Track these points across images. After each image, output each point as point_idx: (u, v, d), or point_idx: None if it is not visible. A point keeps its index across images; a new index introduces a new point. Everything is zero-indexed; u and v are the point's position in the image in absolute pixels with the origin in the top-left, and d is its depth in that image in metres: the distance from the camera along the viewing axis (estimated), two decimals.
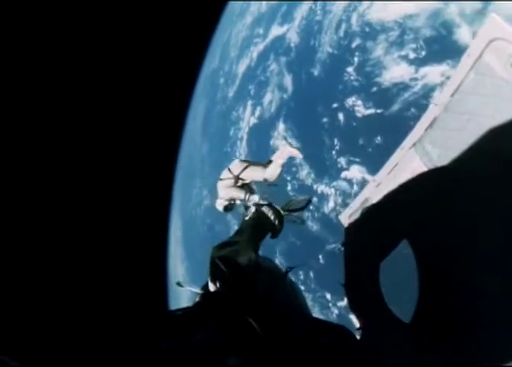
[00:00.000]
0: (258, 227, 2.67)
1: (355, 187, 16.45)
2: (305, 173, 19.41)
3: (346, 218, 4.42)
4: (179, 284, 2.24)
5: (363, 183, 16.09)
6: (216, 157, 28.25)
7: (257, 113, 23.19)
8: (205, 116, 32.05)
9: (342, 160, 17.13)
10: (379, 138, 15.69)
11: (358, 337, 3.55)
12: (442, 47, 14.37)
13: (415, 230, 3.59)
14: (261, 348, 1.56)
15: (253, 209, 2.86)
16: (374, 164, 15.87)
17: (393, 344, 3.52)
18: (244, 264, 2.19)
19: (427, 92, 14.42)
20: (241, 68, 26.28)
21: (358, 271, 4.26)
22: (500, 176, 2.74)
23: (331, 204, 17.65)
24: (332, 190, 17.59)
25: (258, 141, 22.89)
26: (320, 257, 17.75)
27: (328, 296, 17.50)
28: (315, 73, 19.38)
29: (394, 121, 15.06)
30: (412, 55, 15.18)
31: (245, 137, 24.31)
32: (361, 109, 16.57)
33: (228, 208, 3.21)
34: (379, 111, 15.85)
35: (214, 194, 3.23)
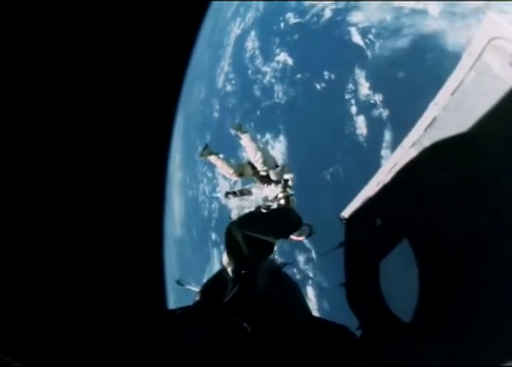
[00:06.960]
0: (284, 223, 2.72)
1: (280, 65, 29.07)
2: (259, 61, 32.13)
3: (346, 216, 4.35)
4: (178, 282, 2.25)
5: (285, 61, 28.72)
6: (213, 61, 40.66)
7: (241, 26, 35.40)
8: (210, 33, 43.91)
9: (277, 50, 29.68)
10: (296, 36, 28.20)
11: (357, 337, 3.48)
12: None
13: (415, 228, 3.59)
14: (255, 348, 1.57)
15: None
16: (292, 51, 28.46)
17: (393, 343, 3.54)
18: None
19: (324, 9, 26.55)
20: None
21: (358, 269, 4.29)
22: (499, 174, 2.71)
23: (268, 78, 30.49)
24: (270, 68, 30.33)
25: (238, 45, 35.29)
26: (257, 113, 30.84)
27: None
28: None
29: (306, 25, 27.41)
30: None
31: (232, 43, 36.73)
32: (292, 20, 28.82)
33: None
34: (299, 20, 28.12)
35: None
